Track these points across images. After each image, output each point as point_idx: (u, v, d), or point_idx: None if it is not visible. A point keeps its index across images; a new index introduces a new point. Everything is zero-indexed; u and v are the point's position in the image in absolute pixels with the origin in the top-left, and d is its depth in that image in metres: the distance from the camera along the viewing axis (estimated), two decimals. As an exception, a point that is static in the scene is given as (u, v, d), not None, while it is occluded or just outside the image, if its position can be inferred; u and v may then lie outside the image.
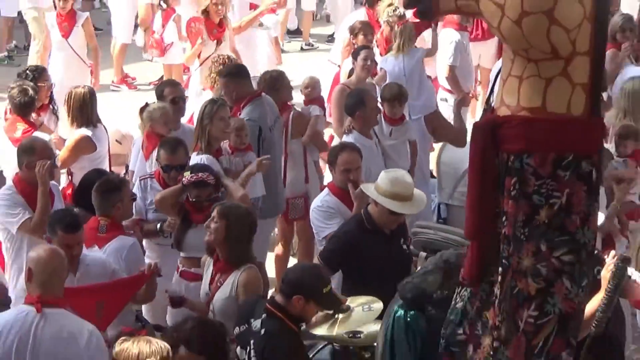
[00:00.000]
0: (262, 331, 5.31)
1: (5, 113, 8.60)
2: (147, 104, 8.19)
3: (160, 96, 8.48)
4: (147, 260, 6.93)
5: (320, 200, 7.45)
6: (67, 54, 10.32)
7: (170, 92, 8.55)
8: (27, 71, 9.09)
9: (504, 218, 4.14)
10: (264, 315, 5.36)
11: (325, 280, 5.75)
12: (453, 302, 4.52)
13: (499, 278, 4.23)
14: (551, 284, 4.11)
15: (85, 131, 8.26)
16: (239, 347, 5.47)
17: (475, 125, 4.72)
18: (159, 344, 5.00)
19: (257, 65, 12.03)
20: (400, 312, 4.71)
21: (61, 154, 8.26)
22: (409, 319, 4.72)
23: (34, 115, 8.46)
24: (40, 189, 6.91)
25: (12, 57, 14.08)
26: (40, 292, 5.50)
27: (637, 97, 8.42)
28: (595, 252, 5.67)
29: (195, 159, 7.64)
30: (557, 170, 4.06)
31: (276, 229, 9.23)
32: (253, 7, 13.96)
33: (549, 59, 3.94)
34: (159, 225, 7.12)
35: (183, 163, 7.31)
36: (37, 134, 7.98)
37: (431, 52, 10.89)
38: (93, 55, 10.93)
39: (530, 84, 4.01)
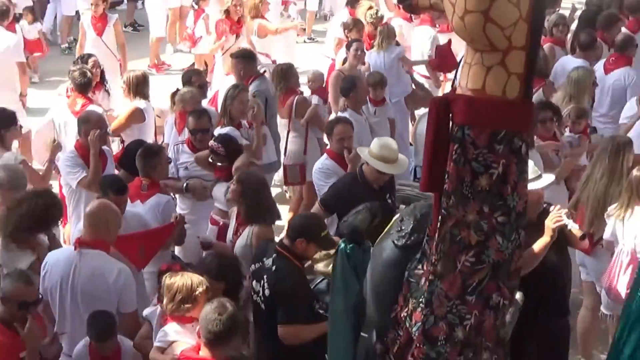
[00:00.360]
0: (273, 268, 5.27)
1: (67, 91, 8.43)
2: (177, 89, 8.10)
3: (187, 82, 8.35)
4: (178, 211, 6.84)
5: (321, 163, 7.37)
6: (100, 50, 9.99)
7: (197, 79, 8.48)
8: (81, 58, 8.95)
9: (446, 176, 4.04)
10: (274, 255, 5.32)
11: (322, 226, 5.67)
12: (423, 244, 4.43)
13: (438, 224, 4.11)
14: (488, 239, 4.02)
15: (138, 103, 8.17)
16: (254, 281, 5.41)
17: (432, 100, 4.68)
18: (200, 277, 5.03)
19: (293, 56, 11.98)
20: (343, 245, 4.62)
21: (115, 122, 8.18)
22: (348, 251, 4.60)
23: (90, 93, 8.32)
24: (92, 152, 6.84)
25: (71, 48, 13.71)
26: (86, 237, 5.52)
27: (581, 84, 8.15)
28: (545, 205, 5.71)
29: (219, 131, 7.56)
30: (492, 143, 3.94)
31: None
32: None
33: (489, 50, 3.83)
34: (185, 185, 7.04)
35: (207, 127, 7.27)
36: (92, 107, 7.88)
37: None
38: (121, 50, 10.61)
39: (475, 70, 3.91)
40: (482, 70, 3.86)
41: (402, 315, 4.34)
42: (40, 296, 5.14)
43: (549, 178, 5.93)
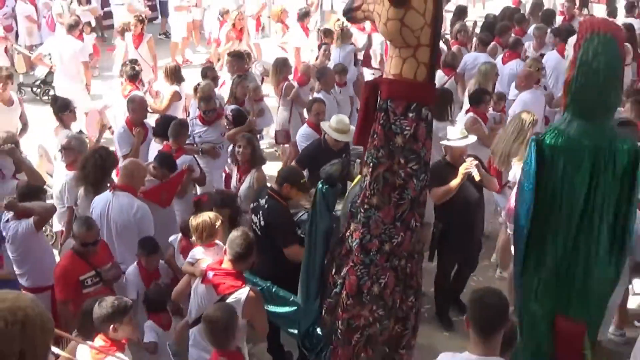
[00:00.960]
0: (266, 205, 5.17)
1: (122, 84, 8.27)
2: (198, 84, 7.88)
3: (204, 76, 8.17)
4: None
5: (303, 130, 7.36)
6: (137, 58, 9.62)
7: (211, 73, 8.30)
8: (130, 61, 8.71)
9: (375, 135, 3.98)
10: (266, 197, 5.22)
11: (302, 175, 5.60)
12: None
13: (370, 169, 4.03)
14: (407, 182, 3.97)
15: (176, 87, 8.11)
16: (253, 215, 5.29)
17: (366, 82, 4.74)
18: (215, 214, 4.90)
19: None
20: (321, 186, 4.49)
21: (164, 101, 8.09)
22: (324, 191, 4.47)
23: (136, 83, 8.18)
24: (137, 129, 6.78)
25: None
26: (119, 183, 5.47)
27: (488, 74, 8.00)
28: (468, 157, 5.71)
29: (228, 107, 7.61)
30: (406, 112, 3.89)
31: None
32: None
33: (405, 47, 3.80)
34: (200, 149, 6.97)
35: (214, 108, 7.20)
36: (136, 92, 7.78)
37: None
38: (153, 59, 10.23)
39: (395, 60, 3.87)
40: (400, 61, 3.83)
41: (346, 234, 4.29)
42: (100, 238, 4.95)
43: (472, 138, 5.92)
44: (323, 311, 4.45)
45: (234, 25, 10.98)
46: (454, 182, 5.66)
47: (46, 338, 2.02)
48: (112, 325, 3.86)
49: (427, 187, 4.13)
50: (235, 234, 4.34)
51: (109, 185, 5.53)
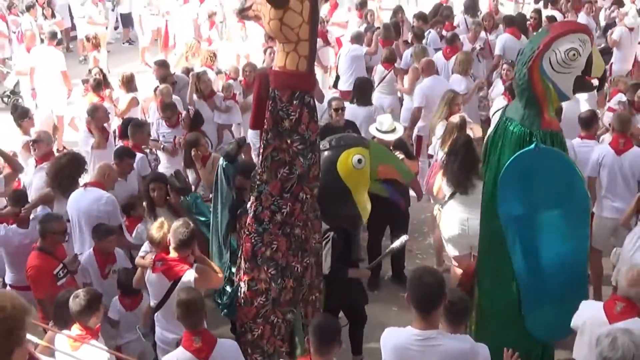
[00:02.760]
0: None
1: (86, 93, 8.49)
2: (158, 86, 8.11)
3: (163, 80, 8.33)
4: (162, 162, 7.23)
5: None
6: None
7: (170, 78, 8.40)
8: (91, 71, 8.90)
9: (265, 120, 4.29)
10: None
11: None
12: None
13: (262, 150, 4.38)
14: (294, 160, 4.31)
15: (132, 94, 8.34)
16: None
17: (257, 74, 4.92)
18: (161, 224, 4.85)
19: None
20: (221, 162, 4.82)
21: (124, 108, 8.21)
22: (224, 166, 4.76)
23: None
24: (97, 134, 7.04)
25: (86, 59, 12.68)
26: (91, 181, 5.80)
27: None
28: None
29: (196, 101, 7.96)
30: (292, 99, 4.20)
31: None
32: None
33: (287, 42, 4.12)
34: (162, 146, 7.33)
35: (175, 112, 7.52)
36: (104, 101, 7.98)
37: None
38: None
39: (280, 54, 4.21)
40: (284, 55, 4.16)
41: (248, 206, 4.62)
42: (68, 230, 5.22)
43: (399, 132, 6.22)
44: (229, 272, 4.82)
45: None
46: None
47: (9, 337, 2.23)
48: (92, 316, 4.03)
49: (317, 166, 4.41)
50: (177, 223, 4.51)
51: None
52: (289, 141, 4.28)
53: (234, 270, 4.80)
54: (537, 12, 11.27)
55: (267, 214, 4.42)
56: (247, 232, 4.51)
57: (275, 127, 4.27)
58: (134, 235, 5.65)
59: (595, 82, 4.43)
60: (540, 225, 4.33)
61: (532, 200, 4.31)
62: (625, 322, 3.63)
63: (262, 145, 4.38)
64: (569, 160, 4.50)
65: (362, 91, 7.80)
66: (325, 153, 4.80)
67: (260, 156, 4.41)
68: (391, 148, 6.02)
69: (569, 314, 4.01)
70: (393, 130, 6.10)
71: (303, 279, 4.52)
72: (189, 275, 4.39)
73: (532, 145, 4.17)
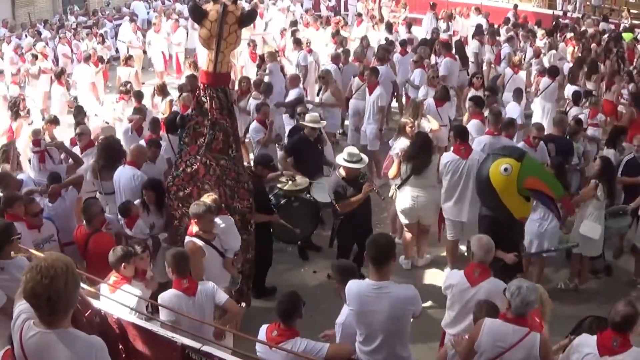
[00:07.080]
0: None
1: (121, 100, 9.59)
2: (182, 92, 8.94)
3: (181, 90, 9.30)
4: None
5: (253, 125, 8.27)
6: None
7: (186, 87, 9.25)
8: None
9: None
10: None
11: (271, 158, 6.61)
12: None
13: (189, 120, 5.41)
14: (202, 131, 5.33)
15: (168, 97, 9.30)
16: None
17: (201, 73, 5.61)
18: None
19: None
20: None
21: (165, 108, 9.12)
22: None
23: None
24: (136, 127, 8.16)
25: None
26: (128, 160, 6.47)
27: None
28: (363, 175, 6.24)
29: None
30: (205, 90, 5.24)
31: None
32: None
33: (208, 50, 5.18)
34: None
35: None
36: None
37: None
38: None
39: (205, 60, 5.20)
40: (207, 59, 5.25)
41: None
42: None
43: (364, 162, 6.30)
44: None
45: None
46: (356, 199, 6.09)
47: (68, 290, 2.46)
48: (122, 264, 4.59)
49: (217, 139, 5.33)
50: (194, 204, 5.12)
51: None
52: (203, 119, 5.41)
53: None
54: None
55: (182, 165, 5.56)
56: (170, 177, 5.76)
57: (199, 107, 5.48)
58: (134, 229, 5.97)
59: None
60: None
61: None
62: (486, 281, 4.29)
63: (189, 118, 5.55)
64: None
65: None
66: (488, 158, 5.42)
67: (187, 124, 5.55)
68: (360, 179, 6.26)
69: None
70: (359, 161, 6.23)
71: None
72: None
73: None
